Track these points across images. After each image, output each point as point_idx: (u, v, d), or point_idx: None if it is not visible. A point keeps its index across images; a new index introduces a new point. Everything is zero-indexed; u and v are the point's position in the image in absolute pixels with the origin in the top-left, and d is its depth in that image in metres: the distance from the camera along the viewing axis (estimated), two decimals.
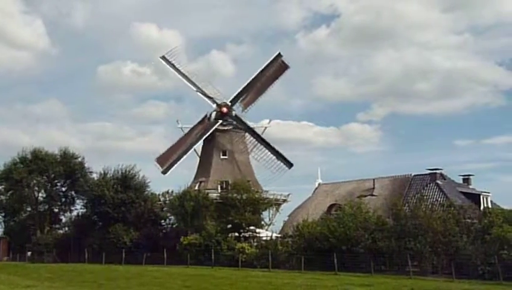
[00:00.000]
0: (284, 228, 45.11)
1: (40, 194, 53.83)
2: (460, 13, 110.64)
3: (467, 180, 43.62)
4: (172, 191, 43.47)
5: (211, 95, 51.92)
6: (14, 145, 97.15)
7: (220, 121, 51.80)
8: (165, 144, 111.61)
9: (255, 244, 37.63)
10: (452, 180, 42.91)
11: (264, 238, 38.74)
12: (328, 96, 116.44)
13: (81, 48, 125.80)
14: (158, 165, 50.43)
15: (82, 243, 43.95)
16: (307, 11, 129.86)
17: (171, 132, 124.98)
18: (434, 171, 41.81)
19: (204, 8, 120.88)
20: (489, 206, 38.29)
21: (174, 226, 43.93)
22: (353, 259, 30.35)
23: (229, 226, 39.10)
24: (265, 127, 54.03)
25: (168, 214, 44.50)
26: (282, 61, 53.10)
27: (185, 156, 50.37)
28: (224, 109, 51.61)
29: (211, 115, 52.60)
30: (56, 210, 54.88)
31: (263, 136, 52.90)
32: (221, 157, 52.14)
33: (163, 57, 53.66)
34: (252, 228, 39.71)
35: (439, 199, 37.88)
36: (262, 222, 43.03)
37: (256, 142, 51.98)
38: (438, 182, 40.95)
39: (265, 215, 45.84)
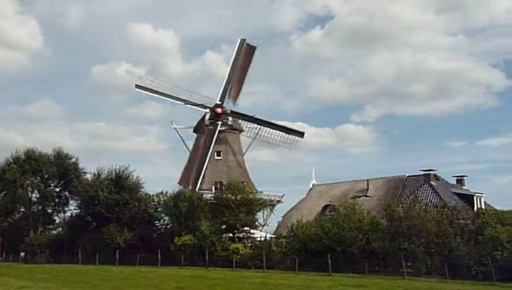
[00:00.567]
0: (278, 228, 45.19)
1: (33, 195, 53.79)
2: (454, 15, 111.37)
3: (460, 181, 43.80)
4: (166, 192, 43.55)
5: (200, 102, 51.91)
6: (8, 145, 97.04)
7: (220, 122, 51.65)
8: (159, 145, 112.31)
9: (249, 245, 37.61)
10: (446, 181, 43.10)
11: (259, 239, 38.75)
12: (322, 98, 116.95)
13: (76, 48, 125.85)
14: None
15: (76, 243, 43.84)
16: (301, 12, 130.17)
17: (166, 133, 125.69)
18: (428, 172, 41.99)
19: (199, 9, 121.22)
20: (483, 207, 38.46)
21: (168, 226, 43.81)
22: (347, 260, 30.39)
23: (224, 226, 39.10)
24: (260, 128, 53.96)
25: (162, 215, 44.40)
26: (248, 44, 53.58)
27: (204, 167, 49.51)
28: (219, 110, 51.50)
29: (203, 117, 52.42)
30: (50, 211, 54.74)
31: (257, 138, 52.97)
32: (216, 158, 52.06)
33: (137, 86, 52.87)
34: (246, 228, 39.71)
35: (433, 200, 38.03)
36: (257, 223, 42.96)
37: (261, 126, 51.74)
38: (432, 183, 41.13)
39: (260, 216, 45.81)
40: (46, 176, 52.57)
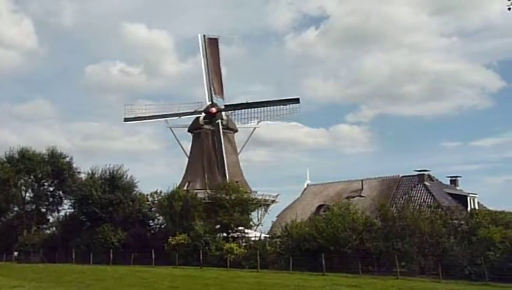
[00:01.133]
0: (272, 228, 45.19)
1: (27, 194, 53.60)
2: (449, 16, 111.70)
3: (454, 181, 43.98)
4: (160, 191, 43.43)
5: (192, 109, 52.26)
6: (1, 144, 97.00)
7: (220, 121, 51.66)
8: (153, 144, 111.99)
9: (244, 244, 37.59)
10: (440, 181, 43.26)
11: (253, 238, 38.74)
12: (317, 98, 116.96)
13: (70, 48, 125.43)
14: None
15: (69, 243, 43.65)
16: (296, 12, 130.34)
17: (160, 132, 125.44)
18: (422, 172, 42.14)
19: (193, 9, 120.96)
20: (476, 207, 38.63)
21: (162, 226, 43.82)
22: (341, 260, 30.48)
23: (218, 226, 39.05)
24: (254, 128, 54.08)
25: (157, 214, 44.38)
26: (209, 38, 53.78)
27: (226, 166, 49.47)
28: (213, 110, 51.59)
29: (198, 117, 52.41)
30: (43, 210, 54.54)
31: (252, 136, 53.08)
32: None
33: (126, 119, 53.15)
34: (240, 228, 39.66)
35: (426, 200, 38.19)
36: (251, 223, 42.92)
37: (256, 110, 52.24)
38: (426, 183, 41.28)
39: (254, 215, 45.81)
40: (40, 175, 52.39)
